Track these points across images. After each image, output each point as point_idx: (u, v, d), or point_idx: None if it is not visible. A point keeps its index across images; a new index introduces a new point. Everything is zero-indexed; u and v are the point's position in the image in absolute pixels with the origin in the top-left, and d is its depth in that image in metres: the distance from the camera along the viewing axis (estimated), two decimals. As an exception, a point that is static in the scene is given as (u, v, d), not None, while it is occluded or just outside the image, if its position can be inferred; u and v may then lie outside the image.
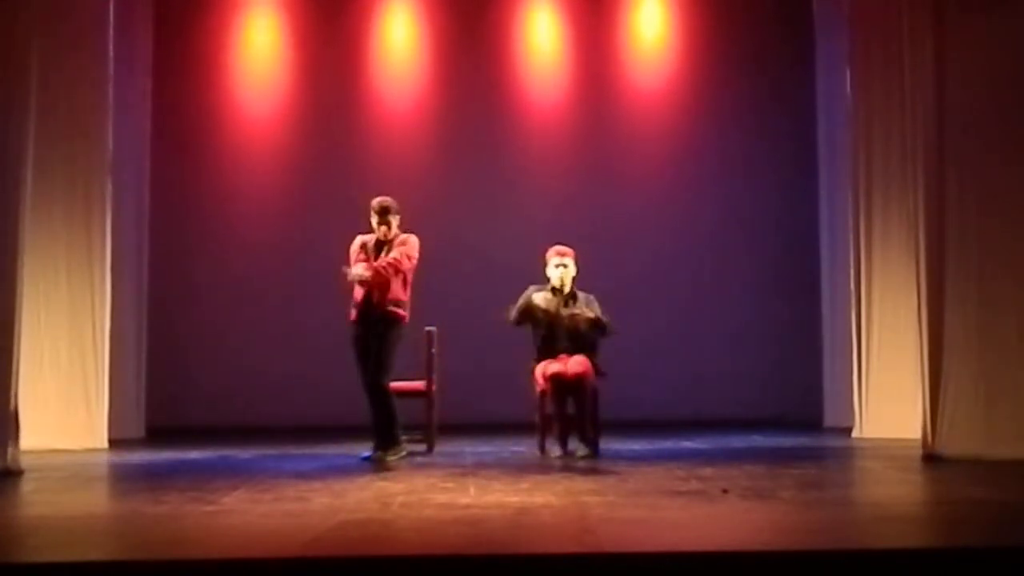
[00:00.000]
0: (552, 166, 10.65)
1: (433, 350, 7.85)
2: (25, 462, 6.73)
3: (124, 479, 6.90)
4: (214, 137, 10.55)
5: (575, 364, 7.40)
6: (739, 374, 10.33)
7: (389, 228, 7.36)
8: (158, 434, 9.18)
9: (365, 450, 7.23)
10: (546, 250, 7.89)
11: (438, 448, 7.75)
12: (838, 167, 9.41)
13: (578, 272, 7.78)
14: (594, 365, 7.48)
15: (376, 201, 7.41)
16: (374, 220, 7.38)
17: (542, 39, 10.78)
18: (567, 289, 7.69)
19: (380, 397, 7.19)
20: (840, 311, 9.43)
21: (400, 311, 7.27)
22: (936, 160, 7.08)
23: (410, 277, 7.40)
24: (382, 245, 7.37)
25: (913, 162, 7.24)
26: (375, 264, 7.24)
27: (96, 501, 6.01)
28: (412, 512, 5.03)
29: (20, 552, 4.28)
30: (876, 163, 8.70)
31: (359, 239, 7.43)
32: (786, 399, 10.13)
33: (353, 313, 7.27)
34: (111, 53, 8.64)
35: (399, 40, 10.73)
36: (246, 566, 3.86)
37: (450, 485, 5.89)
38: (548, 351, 7.54)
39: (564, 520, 4.80)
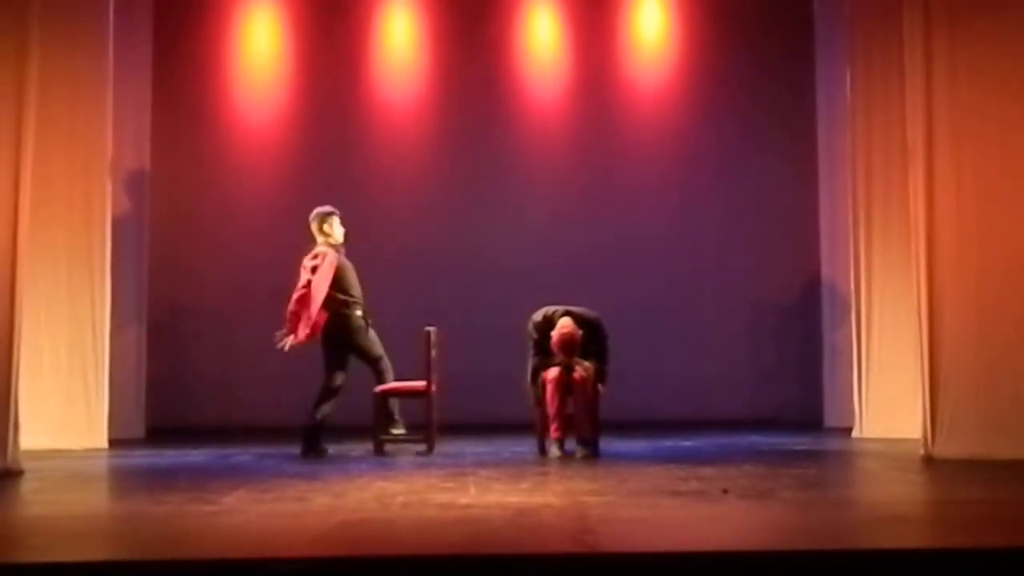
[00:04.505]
0: (552, 166, 10.65)
1: (433, 350, 7.85)
2: (25, 462, 6.73)
3: (124, 479, 6.90)
4: (214, 137, 10.54)
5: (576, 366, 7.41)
6: (739, 374, 10.34)
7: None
8: (158, 434, 9.18)
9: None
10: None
11: (438, 448, 7.75)
12: (838, 167, 9.41)
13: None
14: (599, 372, 7.48)
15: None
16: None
17: (542, 39, 10.77)
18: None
19: None
20: (840, 311, 9.44)
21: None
22: (935, 160, 7.08)
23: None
24: None
25: (913, 162, 7.23)
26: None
27: (96, 501, 6.02)
28: (412, 512, 5.04)
29: (20, 552, 4.28)
30: (876, 162, 8.70)
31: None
32: (786, 399, 10.13)
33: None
34: (111, 53, 8.64)
35: (399, 40, 10.72)
36: (246, 566, 3.87)
37: (450, 485, 5.89)
38: (549, 363, 7.52)
39: (564, 520, 4.80)
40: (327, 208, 7.98)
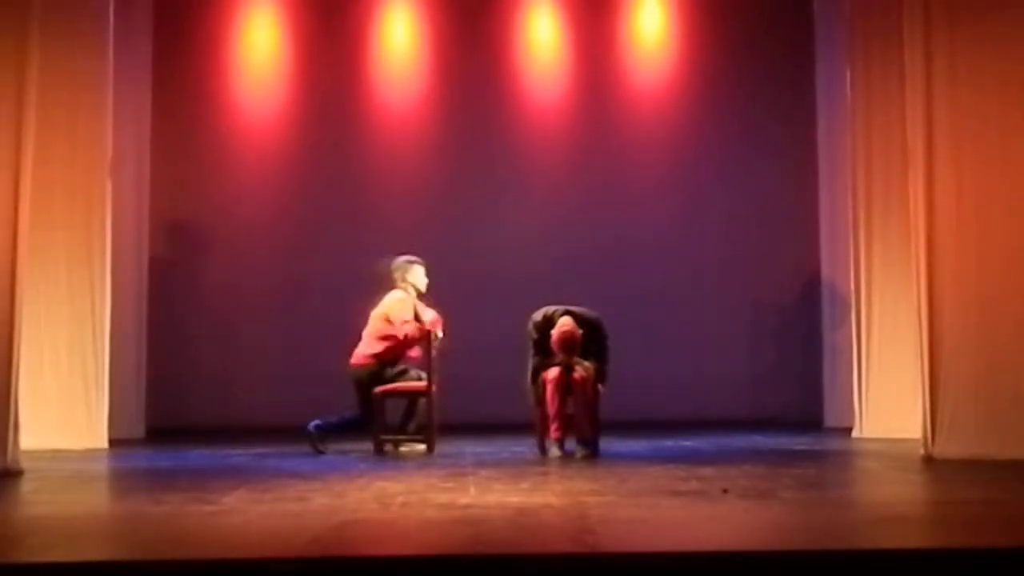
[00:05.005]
0: (552, 166, 10.65)
1: (433, 350, 7.84)
2: (25, 462, 6.73)
3: (124, 479, 6.90)
4: (214, 137, 10.55)
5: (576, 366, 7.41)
6: (739, 374, 10.34)
7: None
8: (158, 434, 9.18)
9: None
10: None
11: (438, 448, 7.75)
12: (838, 167, 9.41)
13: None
14: (599, 372, 7.47)
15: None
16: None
17: (542, 39, 10.78)
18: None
19: None
20: (840, 311, 9.44)
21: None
22: (935, 160, 7.09)
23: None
24: None
25: (913, 162, 7.24)
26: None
27: (96, 501, 6.01)
28: (412, 512, 5.04)
29: (20, 552, 4.27)
30: (876, 162, 8.70)
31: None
32: (786, 399, 10.13)
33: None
34: (111, 53, 8.63)
35: (399, 40, 10.73)
36: (246, 566, 3.86)
37: (450, 485, 5.89)
38: (549, 362, 7.52)
39: (564, 520, 4.80)
40: (411, 257, 8.08)
